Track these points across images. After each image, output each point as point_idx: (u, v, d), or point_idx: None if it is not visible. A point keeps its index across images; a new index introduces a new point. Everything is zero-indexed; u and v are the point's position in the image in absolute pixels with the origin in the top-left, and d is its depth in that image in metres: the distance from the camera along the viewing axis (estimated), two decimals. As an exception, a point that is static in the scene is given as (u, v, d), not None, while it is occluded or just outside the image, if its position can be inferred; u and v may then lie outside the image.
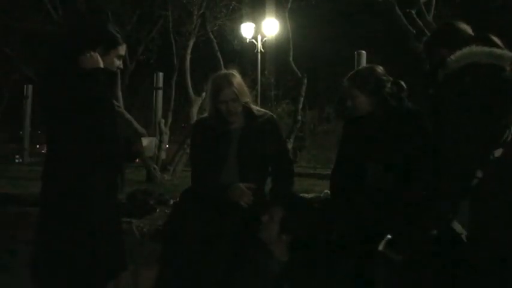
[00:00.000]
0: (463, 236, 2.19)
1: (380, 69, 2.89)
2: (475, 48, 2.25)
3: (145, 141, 2.78)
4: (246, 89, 3.11)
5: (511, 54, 2.23)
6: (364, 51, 6.61)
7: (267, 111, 3.26)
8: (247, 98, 3.10)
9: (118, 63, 2.71)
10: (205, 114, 3.22)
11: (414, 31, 6.07)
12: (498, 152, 2.14)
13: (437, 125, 2.38)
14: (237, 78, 3.06)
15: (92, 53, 2.57)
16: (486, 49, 2.24)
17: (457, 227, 2.20)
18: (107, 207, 2.67)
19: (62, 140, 2.62)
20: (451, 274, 2.24)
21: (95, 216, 2.60)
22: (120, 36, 2.70)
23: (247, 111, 3.09)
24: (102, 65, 2.57)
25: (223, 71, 3.30)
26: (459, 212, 2.20)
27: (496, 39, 2.37)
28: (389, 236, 2.42)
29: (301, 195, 3.57)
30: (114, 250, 2.69)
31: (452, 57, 2.26)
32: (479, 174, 2.14)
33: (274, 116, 3.24)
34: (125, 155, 2.75)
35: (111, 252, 2.66)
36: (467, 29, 2.60)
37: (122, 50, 2.70)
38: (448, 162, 2.22)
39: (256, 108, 3.17)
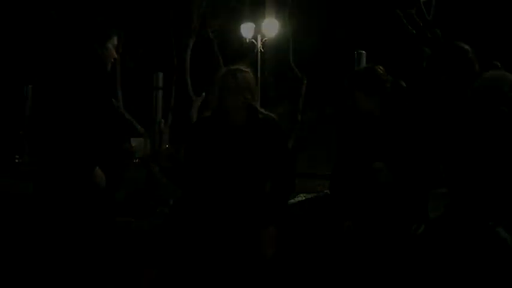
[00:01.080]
0: (508, 241, 2.32)
1: (380, 69, 2.89)
2: (494, 73, 2.55)
3: (134, 142, 2.77)
4: (252, 86, 3.01)
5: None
6: (364, 51, 6.61)
7: (270, 113, 3.21)
8: (250, 96, 3.00)
9: (114, 53, 2.91)
10: (207, 113, 3.19)
11: (414, 31, 6.09)
12: None
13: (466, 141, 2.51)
14: (245, 74, 2.99)
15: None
16: (502, 73, 2.55)
17: (501, 231, 2.34)
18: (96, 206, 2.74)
19: (55, 136, 2.65)
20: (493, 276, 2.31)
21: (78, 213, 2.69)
22: (111, 28, 2.93)
23: (251, 110, 3.04)
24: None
25: (238, 65, 3.12)
26: (502, 217, 2.36)
27: (498, 63, 2.62)
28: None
29: (301, 194, 3.57)
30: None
31: (480, 80, 2.53)
32: None
33: (276, 119, 3.19)
34: (116, 154, 2.77)
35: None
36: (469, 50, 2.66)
37: (115, 40, 2.92)
38: (486, 174, 2.39)
39: (261, 110, 3.13)
